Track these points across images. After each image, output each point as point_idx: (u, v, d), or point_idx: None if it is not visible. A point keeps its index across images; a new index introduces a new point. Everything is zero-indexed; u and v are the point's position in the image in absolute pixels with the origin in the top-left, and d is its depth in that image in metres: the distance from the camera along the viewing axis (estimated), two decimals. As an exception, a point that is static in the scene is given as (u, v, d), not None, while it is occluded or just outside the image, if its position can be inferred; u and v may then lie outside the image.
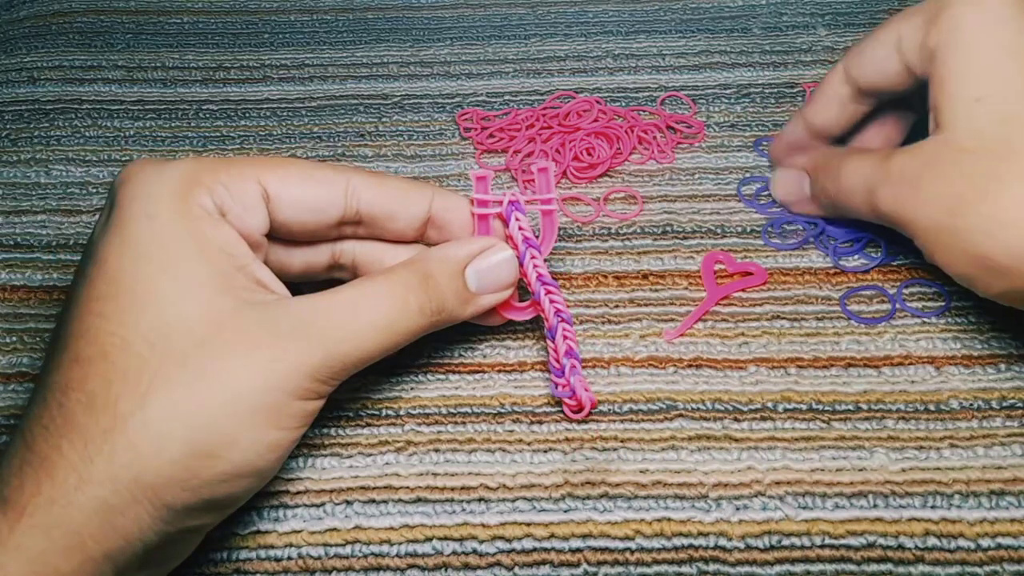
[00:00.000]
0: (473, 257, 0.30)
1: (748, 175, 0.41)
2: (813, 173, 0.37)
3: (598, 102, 0.45)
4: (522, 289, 0.33)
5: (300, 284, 0.32)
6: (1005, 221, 0.28)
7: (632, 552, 0.28)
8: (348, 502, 0.30)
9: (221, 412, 0.24)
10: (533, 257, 0.31)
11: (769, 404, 0.32)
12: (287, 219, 0.29)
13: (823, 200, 0.36)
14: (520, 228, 0.31)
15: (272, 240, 0.29)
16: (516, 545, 0.29)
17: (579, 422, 0.31)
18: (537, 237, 0.32)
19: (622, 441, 0.31)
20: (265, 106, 0.46)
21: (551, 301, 0.31)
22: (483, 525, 0.29)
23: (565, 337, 0.31)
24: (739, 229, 0.38)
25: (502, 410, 0.32)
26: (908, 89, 0.34)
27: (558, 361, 0.31)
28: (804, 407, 0.32)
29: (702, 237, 0.38)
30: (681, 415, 0.32)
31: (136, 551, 0.24)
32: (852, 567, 0.28)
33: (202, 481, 0.24)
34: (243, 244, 0.27)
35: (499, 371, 0.33)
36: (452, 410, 0.32)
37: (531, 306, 0.33)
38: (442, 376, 0.33)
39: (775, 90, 0.46)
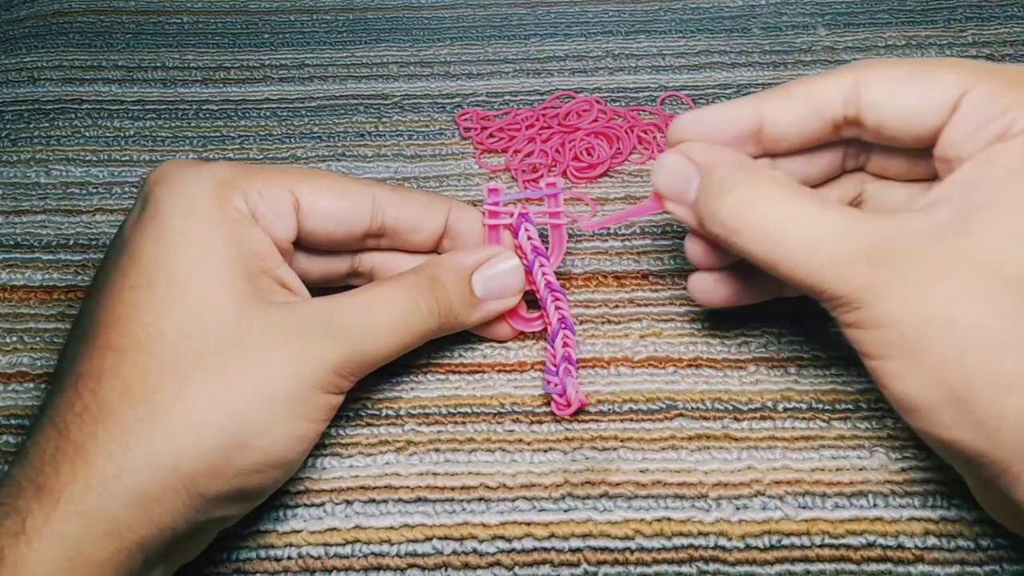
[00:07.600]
0: (480, 264, 0.31)
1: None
2: (712, 180, 0.27)
3: (598, 102, 0.45)
4: (533, 303, 0.33)
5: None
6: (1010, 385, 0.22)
7: (632, 552, 0.28)
8: (348, 502, 0.30)
9: (255, 402, 0.25)
10: (542, 265, 0.33)
11: (769, 403, 0.32)
12: (315, 229, 0.30)
13: (707, 223, 0.27)
14: (529, 238, 0.33)
15: (296, 248, 0.30)
16: (516, 545, 0.29)
17: (579, 422, 0.31)
18: (547, 248, 0.33)
19: (622, 441, 0.31)
20: (265, 106, 0.46)
21: (556, 308, 0.32)
22: (483, 525, 0.29)
23: (565, 344, 0.32)
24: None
25: (502, 410, 0.32)
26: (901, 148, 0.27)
27: (555, 364, 0.32)
28: (804, 406, 0.32)
29: (702, 237, 0.38)
30: (681, 415, 0.32)
31: (166, 539, 0.24)
32: (852, 567, 0.28)
33: (236, 470, 0.25)
34: (273, 248, 0.28)
35: (499, 371, 0.33)
36: (452, 410, 0.32)
37: (539, 318, 0.34)
38: (442, 376, 0.33)
39: (775, 90, 0.46)
